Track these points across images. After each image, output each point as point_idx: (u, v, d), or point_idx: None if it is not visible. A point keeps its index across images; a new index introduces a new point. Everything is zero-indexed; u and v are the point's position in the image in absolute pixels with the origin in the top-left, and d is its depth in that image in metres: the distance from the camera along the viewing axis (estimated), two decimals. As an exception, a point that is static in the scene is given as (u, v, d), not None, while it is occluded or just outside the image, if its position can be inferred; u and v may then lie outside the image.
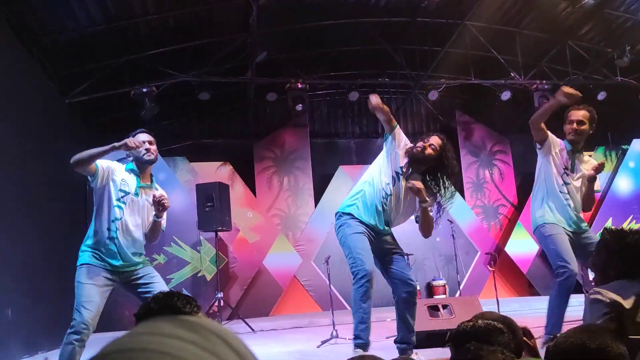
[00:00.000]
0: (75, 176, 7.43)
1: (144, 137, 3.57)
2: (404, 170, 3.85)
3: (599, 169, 4.07)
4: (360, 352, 3.59)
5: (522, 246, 9.99)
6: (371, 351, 3.59)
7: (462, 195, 10.16)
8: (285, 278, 9.48)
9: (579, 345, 1.40)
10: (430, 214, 3.85)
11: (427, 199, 3.72)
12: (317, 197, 9.95)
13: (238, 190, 9.51)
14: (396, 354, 3.73)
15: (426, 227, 3.84)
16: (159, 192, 3.62)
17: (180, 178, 9.10)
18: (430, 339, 4.42)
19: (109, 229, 3.42)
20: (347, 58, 9.32)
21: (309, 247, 9.69)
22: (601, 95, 9.57)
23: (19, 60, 6.20)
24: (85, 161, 3.31)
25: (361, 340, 3.67)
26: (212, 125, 10.13)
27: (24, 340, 5.48)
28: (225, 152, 9.84)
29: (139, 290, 3.47)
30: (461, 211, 9.96)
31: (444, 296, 9.02)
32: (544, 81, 9.33)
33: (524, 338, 1.81)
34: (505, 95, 9.35)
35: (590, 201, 4.24)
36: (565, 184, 4.17)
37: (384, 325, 6.38)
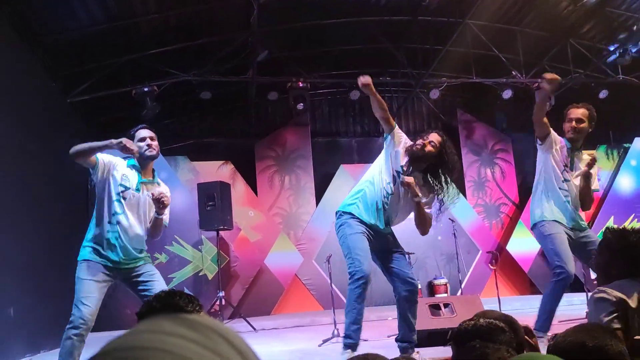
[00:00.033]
0: (77, 176, 7.48)
1: (145, 132, 3.58)
2: (405, 169, 3.85)
3: (591, 163, 4.08)
4: (349, 352, 3.62)
5: (523, 245, 9.98)
6: (372, 350, 3.59)
7: (464, 194, 10.16)
8: (286, 277, 9.49)
9: (578, 344, 1.41)
10: (428, 210, 3.84)
11: (418, 193, 3.72)
12: (319, 196, 9.96)
13: (239, 189, 9.52)
14: (397, 353, 3.73)
15: (422, 223, 3.82)
16: (161, 188, 3.63)
17: (182, 177, 9.10)
18: (432, 338, 4.43)
19: (109, 222, 3.44)
20: (348, 57, 9.31)
21: (311, 246, 9.70)
22: (603, 94, 9.55)
23: (21, 59, 6.20)
24: (83, 153, 3.34)
25: (351, 340, 3.68)
26: (214, 125, 10.13)
27: (25, 339, 5.48)
28: (227, 151, 9.85)
29: (139, 288, 3.48)
30: (463, 210, 9.95)
31: (445, 295, 9.01)
32: (546, 80, 9.30)
33: (526, 336, 1.81)
34: (507, 94, 9.35)
35: (588, 199, 4.22)
36: (565, 180, 4.17)
37: (385, 323, 6.38)
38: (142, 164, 3.59)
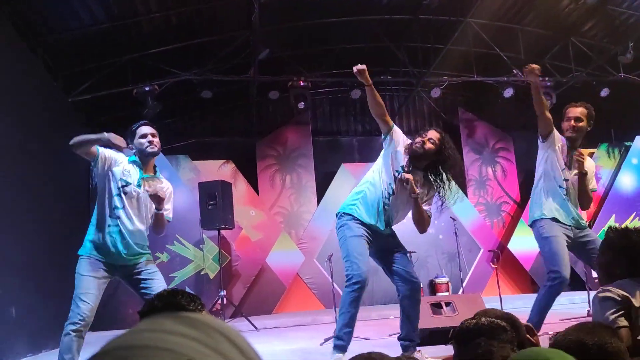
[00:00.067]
0: (77, 176, 7.48)
1: (146, 129, 3.59)
2: (406, 168, 3.84)
3: (579, 165, 4.04)
4: (339, 353, 3.64)
5: (525, 243, 9.96)
6: (374, 348, 3.59)
7: (465, 192, 10.14)
8: (288, 276, 9.49)
9: (578, 342, 1.41)
10: (427, 208, 3.84)
11: (417, 189, 3.72)
12: (320, 195, 9.96)
13: (241, 188, 9.52)
14: (399, 352, 3.73)
15: (420, 220, 3.81)
16: (163, 184, 3.66)
17: (183, 176, 9.11)
18: (434, 337, 4.43)
19: (110, 217, 3.45)
20: (349, 55, 9.26)
21: (312, 244, 9.70)
22: (604, 92, 9.54)
23: (22, 59, 6.20)
24: (80, 145, 3.37)
25: (342, 341, 3.69)
26: (215, 124, 10.14)
27: (27, 338, 5.49)
28: (228, 150, 9.85)
29: (139, 286, 3.49)
30: (464, 209, 9.94)
31: (446, 294, 9.02)
32: (547, 78, 9.29)
33: (527, 335, 1.81)
34: (508, 93, 9.34)
35: (586, 199, 4.20)
36: (565, 179, 4.16)
37: (387, 322, 6.39)
38: (144, 160, 3.60)
